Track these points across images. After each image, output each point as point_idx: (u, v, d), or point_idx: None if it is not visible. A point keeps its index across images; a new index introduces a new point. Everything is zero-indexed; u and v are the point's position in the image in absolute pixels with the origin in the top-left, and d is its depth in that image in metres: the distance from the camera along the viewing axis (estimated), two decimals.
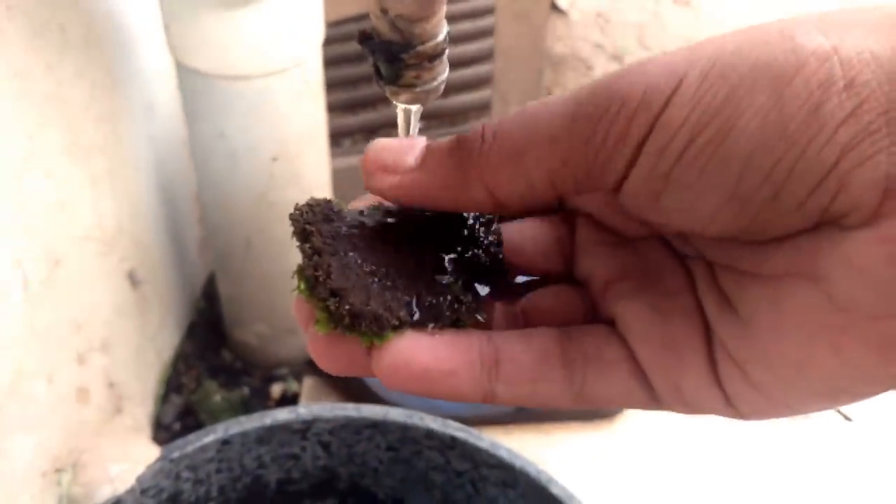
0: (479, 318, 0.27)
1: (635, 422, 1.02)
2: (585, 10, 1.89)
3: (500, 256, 0.28)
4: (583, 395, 0.26)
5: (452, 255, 0.27)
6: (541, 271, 0.29)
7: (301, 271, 0.26)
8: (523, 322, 0.28)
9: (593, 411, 1.02)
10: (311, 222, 0.27)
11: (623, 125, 0.23)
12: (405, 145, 0.26)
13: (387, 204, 0.28)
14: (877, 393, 0.23)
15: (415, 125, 0.28)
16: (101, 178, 0.85)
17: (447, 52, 0.27)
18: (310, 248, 0.26)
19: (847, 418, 1.11)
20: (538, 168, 0.24)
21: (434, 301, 0.26)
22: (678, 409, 0.26)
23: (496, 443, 0.57)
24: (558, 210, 0.29)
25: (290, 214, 0.27)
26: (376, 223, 0.27)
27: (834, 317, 0.22)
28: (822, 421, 1.09)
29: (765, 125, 0.21)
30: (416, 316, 0.26)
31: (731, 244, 0.24)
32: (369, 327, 0.25)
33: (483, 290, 0.27)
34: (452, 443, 0.58)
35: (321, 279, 0.25)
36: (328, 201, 0.28)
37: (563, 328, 0.27)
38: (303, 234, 0.27)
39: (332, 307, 0.25)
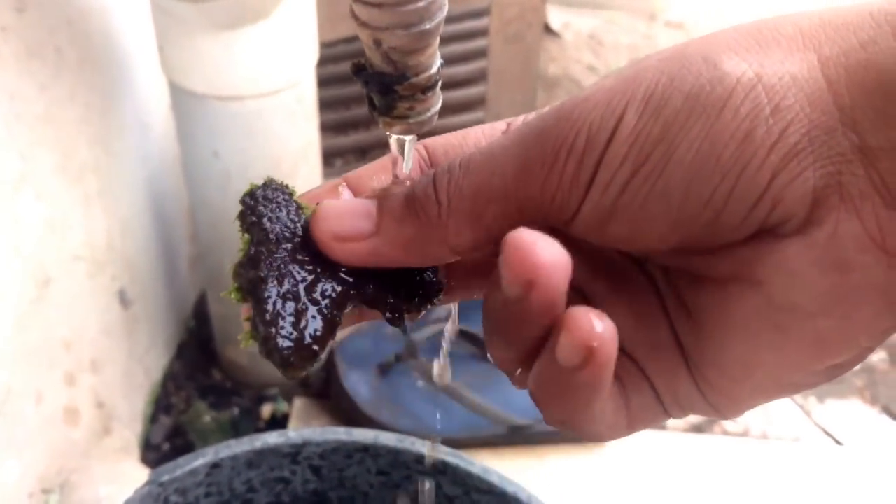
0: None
1: (627, 443, 1.02)
2: (578, 32, 1.90)
3: (434, 279, 0.28)
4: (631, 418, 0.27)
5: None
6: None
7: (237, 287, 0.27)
8: None
9: None
10: (259, 216, 0.27)
11: (573, 169, 0.24)
12: (354, 210, 0.26)
13: None
14: (819, 383, 0.25)
15: (408, 155, 0.29)
16: (93, 198, 0.85)
17: (440, 83, 0.27)
18: (252, 246, 0.27)
19: (838, 442, 1.11)
20: (497, 222, 0.25)
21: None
22: (679, 414, 0.27)
23: (487, 468, 0.56)
24: None
25: (241, 199, 0.27)
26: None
27: (773, 317, 0.23)
28: (813, 445, 1.09)
29: (699, 156, 0.22)
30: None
31: (679, 252, 0.25)
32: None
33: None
34: (443, 467, 0.57)
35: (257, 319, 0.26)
36: (284, 189, 0.28)
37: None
38: (248, 225, 0.27)
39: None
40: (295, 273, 0.26)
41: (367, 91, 0.27)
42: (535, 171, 0.24)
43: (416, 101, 0.27)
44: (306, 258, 0.27)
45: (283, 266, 0.26)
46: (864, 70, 0.22)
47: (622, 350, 0.27)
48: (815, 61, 0.22)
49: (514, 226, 0.24)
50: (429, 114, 0.27)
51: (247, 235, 0.27)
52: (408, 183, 0.28)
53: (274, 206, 0.27)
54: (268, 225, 0.27)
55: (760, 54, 0.23)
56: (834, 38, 0.23)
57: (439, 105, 0.28)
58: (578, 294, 0.28)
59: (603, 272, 0.28)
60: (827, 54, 0.22)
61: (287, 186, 0.28)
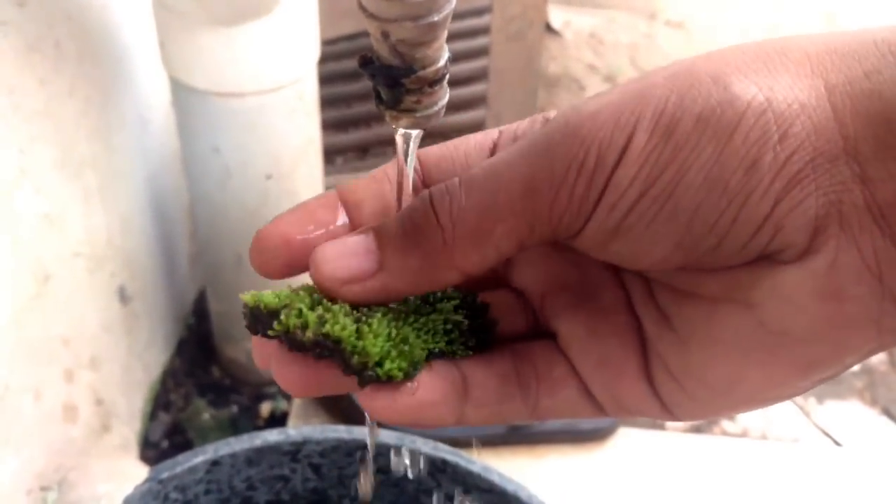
0: None
1: (626, 443, 1.02)
2: (579, 31, 1.90)
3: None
4: (538, 411, 0.28)
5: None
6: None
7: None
8: None
9: (584, 433, 1.02)
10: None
11: (583, 189, 0.24)
12: (355, 250, 0.26)
13: None
14: (796, 395, 0.26)
15: (413, 150, 0.28)
16: (92, 193, 0.85)
17: (448, 76, 0.27)
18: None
19: (837, 443, 1.10)
20: (507, 241, 0.25)
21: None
22: (620, 415, 0.28)
23: (488, 466, 0.56)
24: None
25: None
26: None
27: (764, 339, 0.24)
28: (812, 446, 1.08)
29: (708, 181, 0.23)
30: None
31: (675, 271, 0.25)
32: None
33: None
34: (443, 466, 0.57)
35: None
36: None
37: (514, 348, 0.28)
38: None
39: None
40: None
41: (373, 84, 0.26)
42: (543, 190, 0.24)
43: (423, 95, 0.26)
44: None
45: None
46: (867, 100, 0.22)
47: (550, 357, 0.28)
48: (822, 88, 0.22)
49: (522, 241, 0.25)
50: (436, 108, 0.27)
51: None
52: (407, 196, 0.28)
53: None
54: None
55: (770, 78, 0.23)
56: (840, 67, 0.23)
57: (446, 99, 0.27)
58: (538, 293, 0.29)
59: (568, 279, 0.28)
60: (833, 82, 0.22)
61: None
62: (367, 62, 0.26)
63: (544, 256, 0.29)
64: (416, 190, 0.28)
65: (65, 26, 0.77)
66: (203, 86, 0.84)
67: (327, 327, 0.25)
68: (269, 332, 0.26)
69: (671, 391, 0.26)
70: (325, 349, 0.25)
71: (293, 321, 0.25)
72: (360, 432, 0.58)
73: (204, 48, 0.82)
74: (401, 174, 0.29)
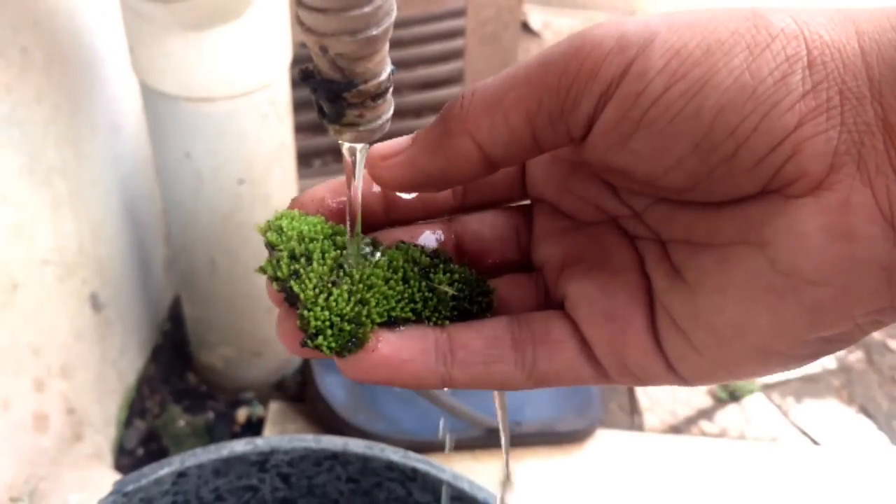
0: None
1: (604, 445, 1.02)
2: (558, 32, 1.89)
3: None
4: (534, 375, 0.28)
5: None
6: (497, 257, 0.31)
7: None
8: None
9: (562, 435, 1.02)
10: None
11: (593, 65, 0.24)
12: (399, 139, 0.28)
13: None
14: (806, 358, 0.25)
15: (360, 163, 0.28)
16: (62, 201, 0.84)
17: (391, 90, 0.26)
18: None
19: (815, 442, 1.11)
20: (516, 110, 0.25)
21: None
22: (624, 379, 0.27)
23: (458, 475, 0.56)
24: (518, 199, 0.31)
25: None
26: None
27: (774, 280, 0.24)
28: (790, 445, 1.09)
29: (737, 84, 0.23)
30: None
31: (687, 214, 0.26)
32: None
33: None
34: (413, 474, 0.57)
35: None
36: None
37: (513, 316, 0.29)
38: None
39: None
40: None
41: (315, 98, 0.26)
42: (555, 64, 0.25)
43: (365, 109, 0.26)
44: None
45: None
46: (894, 49, 0.23)
47: (549, 320, 0.28)
48: (853, 31, 0.23)
49: (532, 120, 0.25)
50: (380, 121, 0.27)
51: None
52: (359, 194, 0.28)
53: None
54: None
55: (805, 15, 0.24)
56: (870, 18, 0.24)
57: (391, 112, 0.27)
58: (556, 268, 0.29)
59: (585, 250, 0.29)
60: (864, 28, 0.23)
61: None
62: (308, 75, 0.26)
63: (563, 234, 0.30)
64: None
65: (31, 32, 0.76)
66: (173, 91, 0.83)
67: (292, 283, 0.27)
68: (256, 270, 0.28)
69: (676, 344, 0.26)
70: (290, 299, 0.27)
71: (270, 268, 0.28)
72: (328, 441, 0.57)
73: (174, 53, 0.81)
74: (349, 188, 0.28)
